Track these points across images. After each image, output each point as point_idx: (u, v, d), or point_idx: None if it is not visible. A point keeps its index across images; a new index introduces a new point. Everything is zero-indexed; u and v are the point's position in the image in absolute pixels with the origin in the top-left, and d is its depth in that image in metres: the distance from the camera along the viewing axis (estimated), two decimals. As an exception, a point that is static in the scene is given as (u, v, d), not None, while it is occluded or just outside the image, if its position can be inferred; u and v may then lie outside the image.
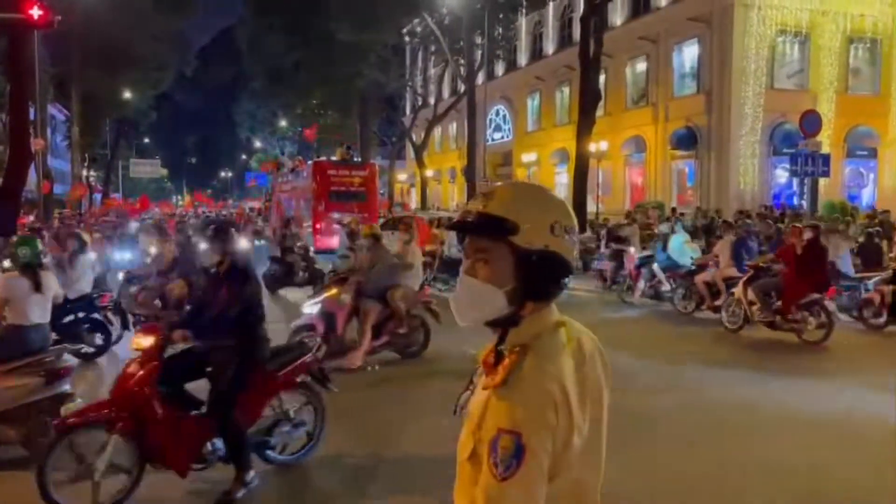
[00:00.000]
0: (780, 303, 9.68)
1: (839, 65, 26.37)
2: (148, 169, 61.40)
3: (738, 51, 25.34)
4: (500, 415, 1.33)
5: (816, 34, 26.14)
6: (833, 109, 25.56)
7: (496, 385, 1.37)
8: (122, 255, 14.80)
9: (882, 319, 10.28)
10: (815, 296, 9.46)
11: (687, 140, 27.35)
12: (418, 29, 39.95)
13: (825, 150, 17.52)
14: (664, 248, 12.60)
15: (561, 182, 34.97)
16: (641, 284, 12.91)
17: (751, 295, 9.87)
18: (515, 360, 1.39)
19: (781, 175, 25.81)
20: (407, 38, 42.71)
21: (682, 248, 12.42)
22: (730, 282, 10.75)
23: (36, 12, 14.85)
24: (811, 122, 16.12)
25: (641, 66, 30.44)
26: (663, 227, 14.10)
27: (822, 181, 18.70)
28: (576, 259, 1.58)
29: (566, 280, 1.49)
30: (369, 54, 36.41)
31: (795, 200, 23.39)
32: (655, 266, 12.61)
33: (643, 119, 29.79)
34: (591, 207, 25.94)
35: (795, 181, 21.90)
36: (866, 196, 27.32)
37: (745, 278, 10.15)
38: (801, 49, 26.54)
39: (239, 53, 50.53)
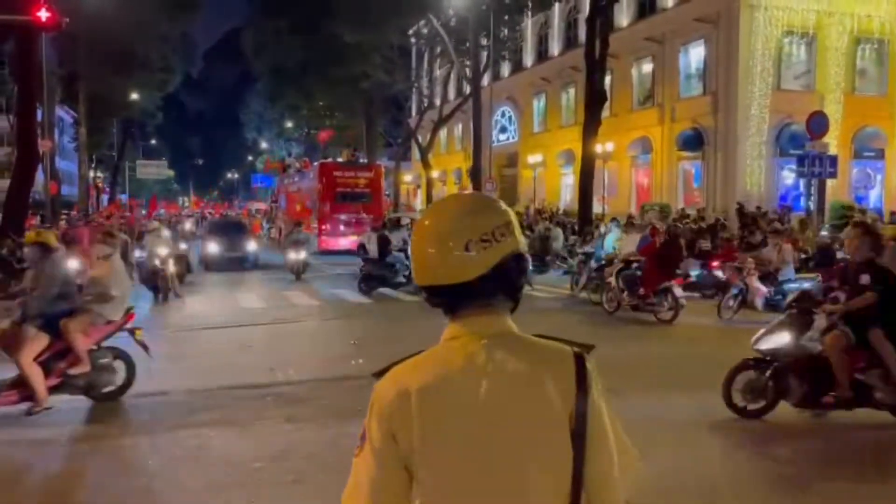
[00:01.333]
0: (642, 289, 11.67)
1: (846, 66, 26.27)
2: (154, 170, 61.61)
3: (745, 52, 25.26)
4: None
5: (823, 35, 26.04)
6: (840, 110, 25.46)
7: None
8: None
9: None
10: (668, 283, 11.36)
11: (693, 141, 27.28)
12: (424, 30, 39.95)
13: (832, 151, 17.47)
14: (602, 245, 14.40)
15: (567, 183, 34.92)
16: (583, 279, 14.51)
17: (621, 283, 11.93)
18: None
19: (788, 176, 25.71)
20: (413, 40, 42.70)
21: (613, 245, 14.06)
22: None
23: (43, 14, 14.93)
24: (818, 123, 16.08)
25: (647, 66, 30.38)
26: (609, 227, 15.74)
27: (829, 182, 18.63)
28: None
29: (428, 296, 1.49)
30: (375, 56, 36.45)
31: (802, 202, 23.31)
32: (593, 262, 14.25)
33: (649, 120, 29.73)
34: (596, 209, 25.91)
35: (802, 182, 21.82)
36: (873, 197, 27.19)
37: (615, 270, 12.09)
38: (807, 50, 26.44)
39: (245, 55, 50.68)
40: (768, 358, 6.23)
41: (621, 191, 31.22)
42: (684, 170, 29.11)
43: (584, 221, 23.23)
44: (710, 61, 26.91)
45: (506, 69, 40.62)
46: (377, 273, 15.39)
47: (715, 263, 13.95)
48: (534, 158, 37.11)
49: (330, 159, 31.32)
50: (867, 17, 26.10)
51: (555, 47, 36.76)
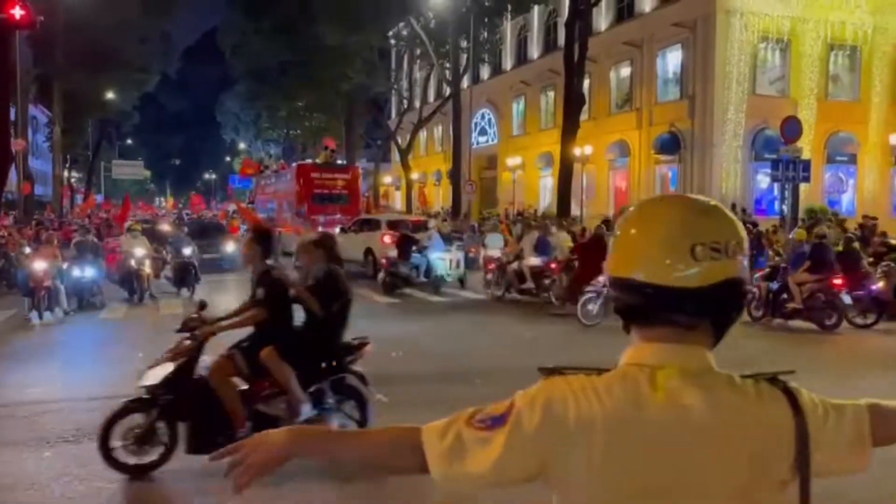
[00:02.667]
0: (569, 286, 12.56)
1: (819, 71, 26.71)
2: (130, 170, 60.97)
3: (721, 57, 25.59)
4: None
5: (797, 41, 26.46)
6: (813, 116, 25.88)
7: None
8: None
9: (760, 312, 11.70)
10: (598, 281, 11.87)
11: (670, 145, 27.57)
12: (404, 32, 39.97)
13: (806, 155, 17.73)
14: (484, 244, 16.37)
15: (546, 185, 35.10)
16: (491, 276, 15.57)
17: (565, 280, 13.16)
18: None
19: (763, 180, 26.08)
20: (393, 42, 42.72)
21: (498, 246, 16.59)
22: (533, 270, 13.74)
23: (18, 12, 14.72)
24: (792, 128, 16.29)
25: (626, 71, 30.65)
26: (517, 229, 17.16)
27: (802, 186, 18.91)
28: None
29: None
30: (355, 57, 36.41)
31: (777, 206, 23.62)
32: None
33: (627, 124, 29.99)
34: (575, 211, 26.09)
35: (777, 186, 22.12)
36: (846, 201, 27.66)
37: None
38: (782, 56, 26.85)
39: (224, 55, 50.32)
40: (153, 396, 5.01)
41: (600, 193, 31.46)
42: (661, 173, 29.39)
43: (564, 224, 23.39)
44: (688, 66, 27.21)
45: (485, 72, 40.75)
46: (402, 273, 15.87)
47: None
48: (513, 161, 37.27)
49: (309, 161, 31.22)
50: (840, 24, 26.55)
51: (534, 50, 36.95)
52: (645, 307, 1.22)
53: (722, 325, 1.24)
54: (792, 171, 15.57)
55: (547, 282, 13.50)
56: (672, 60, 28.47)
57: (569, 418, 1.17)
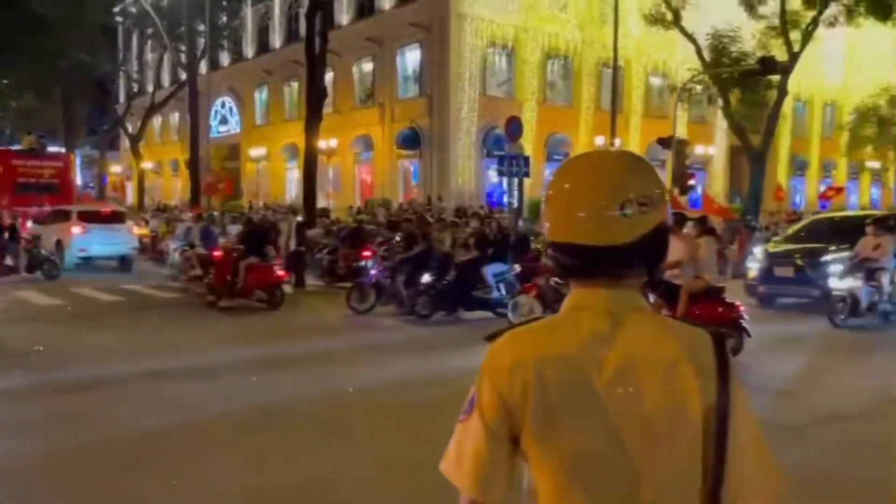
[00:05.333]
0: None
1: (539, 77, 29.56)
2: None
3: (455, 58, 27.19)
4: None
5: (520, 48, 29.01)
6: (535, 118, 28.59)
7: None
8: None
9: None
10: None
11: (411, 140, 28.70)
12: (133, 9, 36.79)
13: (528, 153, 19.50)
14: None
15: (292, 178, 34.59)
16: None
17: None
18: None
19: (494, 175, 28.22)
20: (120, 19, 39.11)
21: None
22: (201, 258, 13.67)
23: None
24: (514, 127, 17.74)
25: (368, 66, 31.24)
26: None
27: (527, 181, 20.82)
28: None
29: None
30: (72, 32, 32.62)
31: (505, 199, 25.73)
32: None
33: (371, 118, 30.62)
34: (322, 204, 26.03)
35: (505, 181, 24.10)
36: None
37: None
38: (508, 61, 29.26)
39: None
40: None
41: (346, 186, 31.77)
42: (404, 167, 30.51)
43: (310, 215, 23.22)
44: (426, 65, 28.50)
45: (225, 58, 38.98)
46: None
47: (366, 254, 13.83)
48: (257, 151, 36.21)
49: (14, 147, 27.53)
50: (555, 36, 29.61)
51: (276, 40, 36.15)
52: (583, 266, 1.30)
53: (655, 265, 1.33)
54: (515, 166, 16.99)
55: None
56: (411, 59, 29.61)
57: (508, 371, 1.26)
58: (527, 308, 9.94)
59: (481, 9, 27.52)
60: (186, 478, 4.64)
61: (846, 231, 11.42)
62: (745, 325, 7.88)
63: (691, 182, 22.74)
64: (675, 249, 8.22)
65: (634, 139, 31.36)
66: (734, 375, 1.25)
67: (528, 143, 23.52)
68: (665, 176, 26.41)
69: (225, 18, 33.83)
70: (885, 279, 10.37)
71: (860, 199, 40.59)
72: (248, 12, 36.89)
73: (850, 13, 23.81)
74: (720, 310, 7.79)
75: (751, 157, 25.40)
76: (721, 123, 29.75)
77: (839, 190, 30.53)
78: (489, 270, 10.99)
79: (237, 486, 4.53)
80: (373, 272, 11.66)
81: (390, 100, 29.92)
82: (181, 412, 6.06)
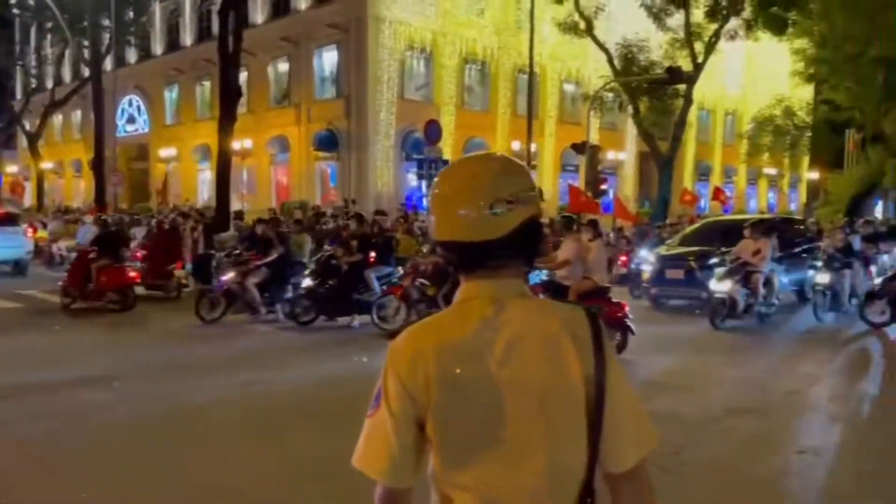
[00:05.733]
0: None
1: (457, 82, 29.80)
2: None
3: (373, 61, 27.06)
4: None
5: (438, 52, 29.17)
6: (453, 122, 28.79)
7: None
8: None
9: None
10: (171, 267, 13.26)
11: (329, 142, 28.37)
12: (31, 1, 34.84)
13: (446, 156, 19.68)
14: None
15: (204, 179, 33.58)
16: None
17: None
18: None
19: (413, 178, 28.26)
20: (16, 11, 36.98)
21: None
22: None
23: None
24: (433, 131, 17.92)
25: (284, 66, 30.70)
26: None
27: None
28: None
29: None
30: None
31: (424, 202, 25.80)
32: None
33: (287, 119, 30.09)
34: (236, 206, 25.36)
35: (424, 184, 24.19)
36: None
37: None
38: (426, 65, 29.36)
39: None
40: None
41: (261, 188, 31.09)
42: (321, 169, 30.12)
43: (222, 218, 22.60)
44: (343, 66, 28.24)
45: (132, 55, 37.46)
46: None
47: None
48: (167, 152, 34.97)
49: None
50: (473, 41, 29.93)
51: (187, 37, 35.02)
52: (465, 260, 1.45)
53: (531, 254, 1.48)
54: (434, 170, 17.11)
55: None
56: (328, 60, 29.28)
57: (408, 363, 1.38)
58: (392, 309, 9.98)
59: (399, 12, 27.51)
60: (91, 491, 4.42)
61: (736, 234, 11.49)
62: (629, 323, 8.23)
63: (604, 186, 23.45)
64: (566, 249, 8.68)
65: (550, 144, 32.06)
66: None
67: (447, 147, 23.74)
68: (579, 181, 27.24)
69: (132, 14, 32.50)
70: (759, 282, 10.62)
71: (759, 203, 42.97)
72: (157, 8, 35.59)
73: (749, 27, 25.18)
74: (606, 308, 8.05)
75: (659, 162, 26.43)
76: (631, 130, 30.80)
77: (719, 192, 30.79)
78: (373, 273, 10.66)
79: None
80: (223, 279, 10.92)
81: (307, 101, 29.49)
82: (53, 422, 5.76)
